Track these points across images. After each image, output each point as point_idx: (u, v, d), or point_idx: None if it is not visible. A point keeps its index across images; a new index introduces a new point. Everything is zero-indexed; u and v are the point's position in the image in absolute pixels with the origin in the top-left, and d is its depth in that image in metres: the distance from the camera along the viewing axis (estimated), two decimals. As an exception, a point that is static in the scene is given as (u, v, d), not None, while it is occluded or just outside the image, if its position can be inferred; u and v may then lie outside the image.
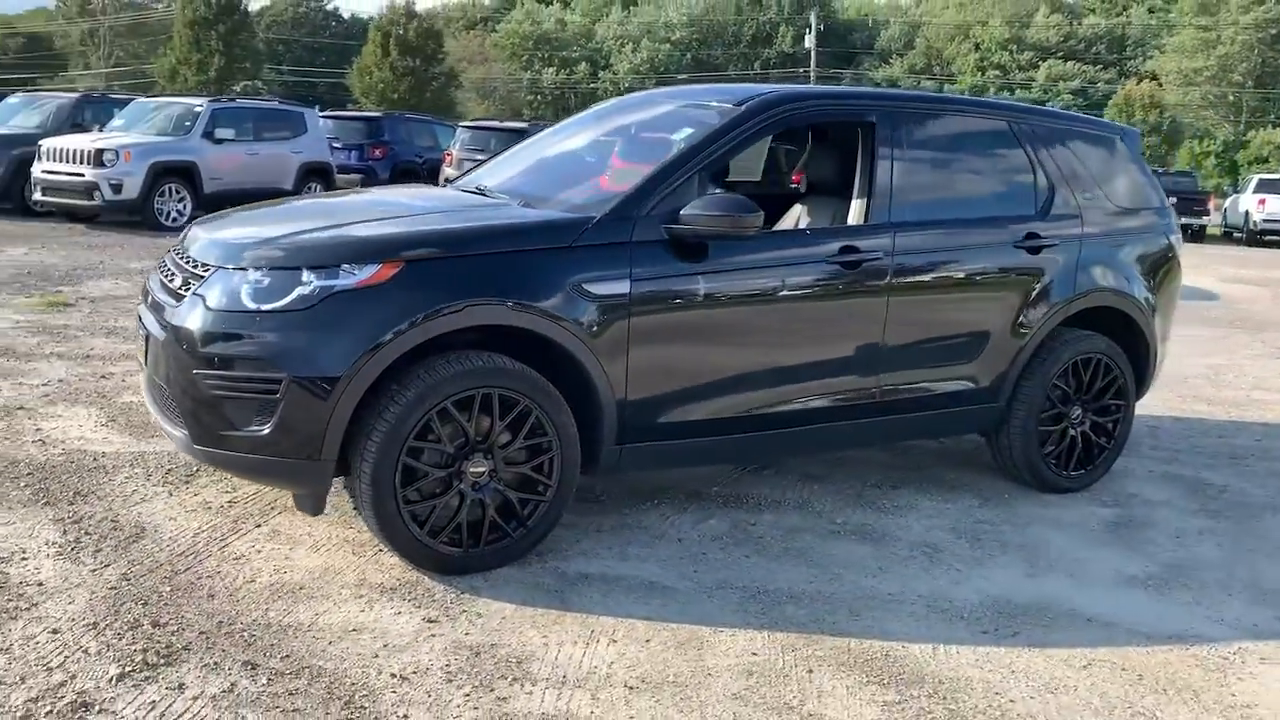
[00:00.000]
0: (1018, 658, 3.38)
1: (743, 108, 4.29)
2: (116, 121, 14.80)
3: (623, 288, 3.79)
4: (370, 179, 17.19)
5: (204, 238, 3.94)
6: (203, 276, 3.65)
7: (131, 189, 13.16)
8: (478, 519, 3.69)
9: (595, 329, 3.74)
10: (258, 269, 3.54)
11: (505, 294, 3.60)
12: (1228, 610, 3.85)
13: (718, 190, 4.03)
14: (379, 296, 3.46)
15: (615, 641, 3.32)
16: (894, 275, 4.33)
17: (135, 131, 14.28)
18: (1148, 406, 6.79)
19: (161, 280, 3.94)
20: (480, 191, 4.47)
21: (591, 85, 71.50)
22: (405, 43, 42.02)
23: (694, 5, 74.75)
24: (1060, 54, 67.37)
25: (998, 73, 66.81)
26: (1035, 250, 4.71)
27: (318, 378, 3.40)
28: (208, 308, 3.53)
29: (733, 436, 4.18)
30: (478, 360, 3.59)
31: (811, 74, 58.87)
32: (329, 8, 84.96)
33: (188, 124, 14.16)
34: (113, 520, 4.01)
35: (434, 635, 3.28)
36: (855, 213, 4.43)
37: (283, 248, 3.62)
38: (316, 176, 15.62)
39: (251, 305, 3.47)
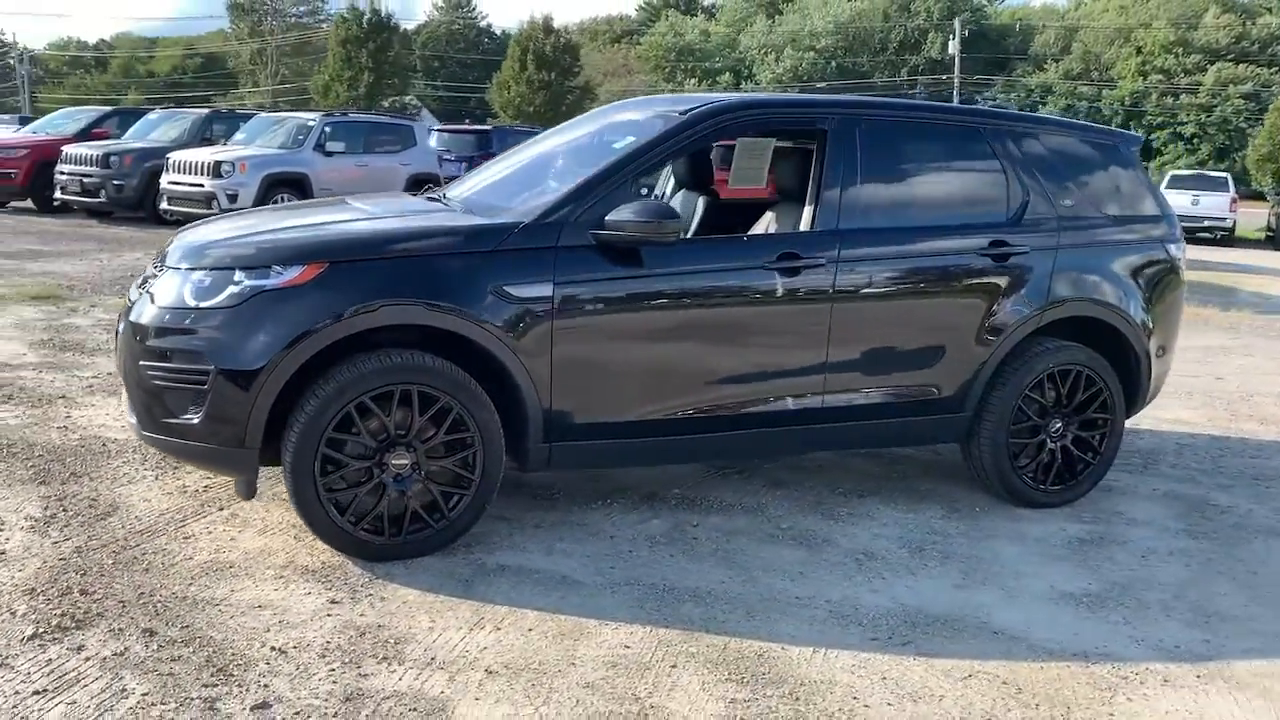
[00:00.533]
0: (897, 665, 3.36)
1: (685, 116, 4.37)
2: (239, 135, 15.78)
3: (545, 291, 3.92)
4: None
5: (176, 241, 4.26)
6: (158, 276, 3.97)
7: (246, 199, 13.98)
8: (401, 509, 3.87)
9: (517, 330, 3.89)
10: (202, 269, 3.82)
11: (422, 295, 3.78)
12: (1157, 631, 3.72)
13: (654, 195, 4.11)
14: (300, 296, 3.70)
15: (499, 629, 3.46)
16: (839, 282, 4.33)
17: (254, 145, 15.18)
18: (1189, 423, 6.53)
19: (140, 281, 4.29)
20: (442, 201, 4.65)
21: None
22: (542, 57, 43.04)
23: (840, 12, 73.97)
24: (1231, 56, 63.73)
25: (1160, 77, 63.68)
26: (1002, 259, 4.62)
27: (240, 370, 3.66)
28: (155, 304, 3.84)
29: (666, 439, 4.26)
30: (397, 357, 3.78)
31: (955, 81, 57.43)
32: (482, 24, 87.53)
33: (301, 138, 14.97)
34: (93, 499, 4.37)
35: (330, 615, 3.48)
36: (804, 220, 4.45)
37: (224, 249, 3.91)
38: (424, 186, 16.22)
39: (191, 303, 3.76)
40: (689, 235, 4.99)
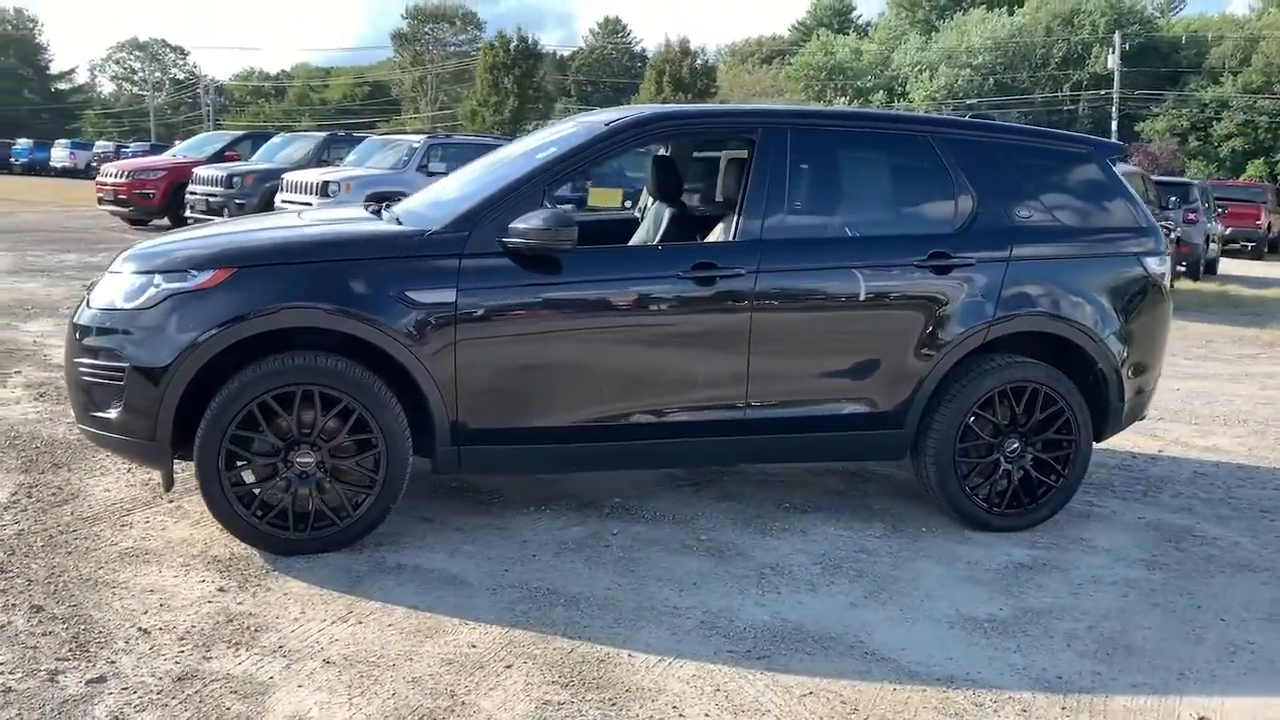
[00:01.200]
0: (738, 679, 3.30)
1: (607, 127, 4.42)
2: (351, 157, 16.55)
3: (448, 297, 4.03)
4: (580, 207, 18.05)
5: (127, 249, 4.56)
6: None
7: (350, 217, 14.63)
8: (307, 506, 4.03)
9: (420, 336, 4.01)
10: (132, 273, 4.09)
11: (321, 299, 3.94)
12: (1045, 660, 3.53)
13: (561, 205, 4.17)
14: (207, 299, 3.91)
15: (360, 624, 3.56)
16: (758, 293, 4.28)
17: (362, 166, 15.89)
18: (1223, 451, 6.17)
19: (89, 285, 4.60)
20: (376, 213, 4.79)
21: (886, 114, 70.87)
22: (679, 80, 43.46)
23: (999, 29, 71.92)
24: None
25: (1353, 91, 59.44)
26: (943, 270, 4.48)
27: (150, 368, 3.89)
28: (91, 306, 4.12)
29: (575, 445, 4.30)
30: (298, 358, 3.95)
31: (1115, 95, 54.99)
32: (636, 48, 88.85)
33: (405, 159, 15.58)
34: (59, 488, 4.71)
35: (210, 602, 3.66)
36: (730, 229, 4.42)
37: (153, 254, 4.17)
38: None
39: (120, 305, 4.02)
40: (657, 243, 4.98)
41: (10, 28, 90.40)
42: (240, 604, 3.66)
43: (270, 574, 3.92)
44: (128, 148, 39.58)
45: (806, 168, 4.50)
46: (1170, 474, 5.80)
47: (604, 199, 14.41)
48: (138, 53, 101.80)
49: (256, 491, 4.01)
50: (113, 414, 3.97)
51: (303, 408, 3.98)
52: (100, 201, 18.37)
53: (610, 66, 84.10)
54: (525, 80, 46.52)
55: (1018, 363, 4.58)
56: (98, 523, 4.34)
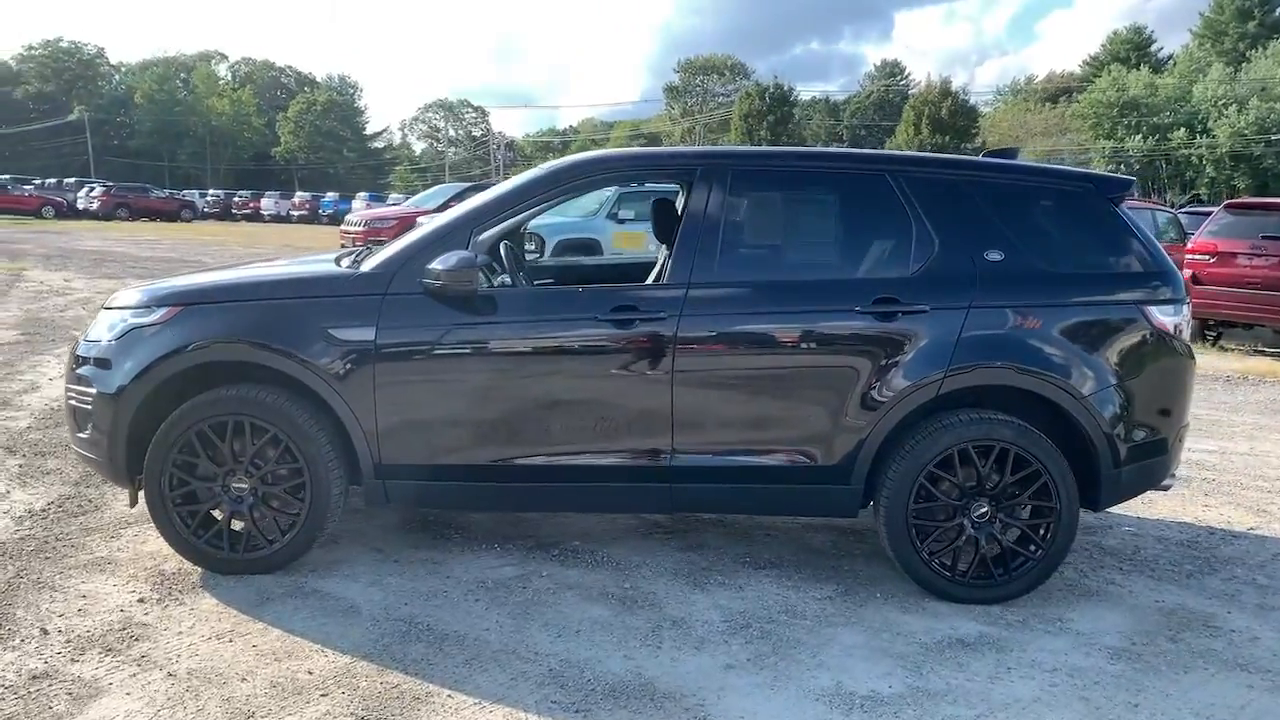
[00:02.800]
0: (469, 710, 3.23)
1: (542, 172, 4.47)
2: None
3: (368, 335, 4.21)
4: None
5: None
6: None
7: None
8: (242, 529, 4.32)
9: (340, 371, 4.20)
10: (118, 308, 4.54)
11: (250, 336, 4.22)
12: (891, 746, 3.21)
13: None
14: (156, 334, 4.29)
15: (231, 642, 3.76)
16: (681, 338, 4.17)
17: (556, 214, 16.57)
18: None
19: None
20: (337, 260, 4.98)
21: (1185, 151, 65.98)
22: (937, 120, 42.24)
23: (1327, 53, 65.05)
24: None
25: None
26: (888, 316, 4.18)
27: (107, 393, 4.30)
28: (84, 338, 4.61)
29: (491, 485, 4.34)
30: (231, 390, 4.25)
31: None
32: (912, 91, 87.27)
33: (596, 207, 16.11)
34: (91, 500, 5.27)
35: (122, 611, 3.99)
36: (657, 272, 4.34)
37: (134, 293, 4.60)
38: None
39: (102, 338, 4.48)
40: (661, 282, 4.94)
41: (335, 94, 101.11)
42: (146, 615, 3.96)
43: (195, 590, 4.20)
44: (382, 199, 43.52)
45: (745, 209, 4.35)
46: (1243, 554, 5.07)
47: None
48: (444, 112, 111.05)
49: (197, 512, 4.31)
50: (85, 435, 4.40)
51: (238, 437, 4.26)
52: (342, 246, 20.13)
53: (884, 109, 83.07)
54: (779, 127, 46.78)
55: (981, 419, 4.19)
56: (93, 534, 4.81)
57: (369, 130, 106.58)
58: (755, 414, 4.24)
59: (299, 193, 59.65)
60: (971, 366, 4.16)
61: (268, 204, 55.80)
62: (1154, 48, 79.54)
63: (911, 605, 4.25)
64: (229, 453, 4.27)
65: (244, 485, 4.29)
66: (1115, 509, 4.80)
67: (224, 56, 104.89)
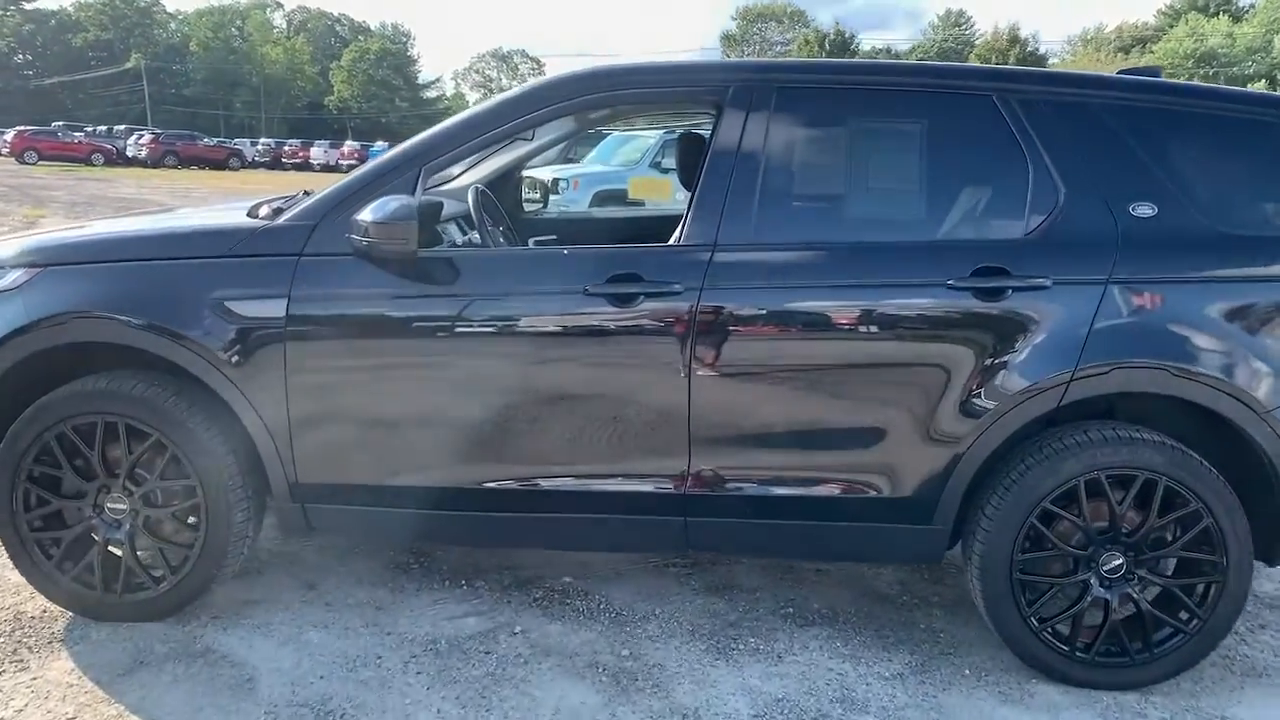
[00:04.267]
0: None
1: (517, 91, 3.31)
2: (591, 154, 16.03)
3: (276, 310, 3.10)
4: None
5: None
6: None
7: (578, 214, 14.12)
8: (121, 562, 3.27)
9: (240, 357, 3.11)
10: None
11: (118, 309, 3.13)
12: None
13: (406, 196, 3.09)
14: (7, 302, 3.22)
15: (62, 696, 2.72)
16: (702, 320, 3.01)
17: (598, 163, 15.33)
18: None
19: None
20: (253, 209, 3.80)
21: (1267, 105, 62.85)
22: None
23: None
24: None
25: None
26: (993, 294, 2.98)
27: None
28: None
29: (448, 514, 3.23)
30: (100, 382, 3.18)
31: None
32: (977, 40, 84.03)
33: (639, 156, 14.85)
34: None
35: (-61, 679, 2.96)
36: (679, 230, 3.17)
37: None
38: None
39: None
40: (678, 242, 3.76)
41: (389, 42, 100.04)
42: (15, 649, 2.94)
43: (50, 647, 3.17)
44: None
45: (795, 144, 3.17)
46: None
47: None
48: (497, 62, 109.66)
49: (61, 540, 3.27)
50: None
51: (112, 443, 3.19)
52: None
53: (949, 59, 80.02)
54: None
55: (1121, 439, 2.99)
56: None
57: (421, 80, 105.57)
58: (802, 426, 3.08)
59: (349, 141, 58.71)
60: (1109, 366, 2.95)
61: (317, 153, 54.87)
62: (1236, -7, 75.78)
63: (1013, 691, 3.09)
64: (100, 464, 3.20)
65: (122, 506, 3.23)
66: None
67: (279, 4, 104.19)
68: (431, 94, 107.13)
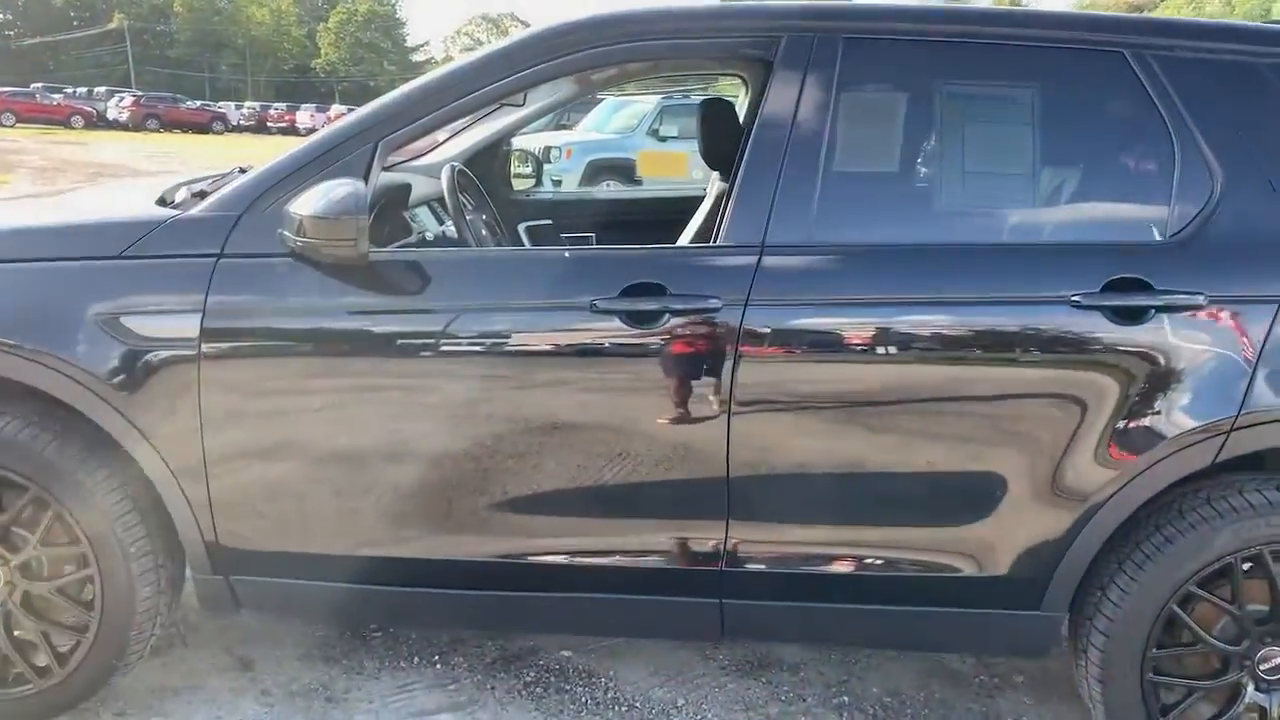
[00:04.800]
0: None
1: (515, 41, 2.55)
2: (586, 120, 15.18)
3: (187, 327, 2.36)
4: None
5: None
6: None
7: (570, 184, 13.29)
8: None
9: (137, 389, 2.37)
10: None
11: (-22, 325, 2.38)
12: None
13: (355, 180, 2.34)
14: None
15: None
16: (747, 339, 2.28)
17: (592, 130, 14.50)
18: None
19: None
20: (165, 196, 3.00)
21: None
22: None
23: None
24: None
25: None
26: (1131, 315, 2.25)
27: None
28: None
29: (418, 591, 2.51)
30: (-43, 421, 2.43)
31: None
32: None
33: (636, 123, 14.04)
34: None
35: None
36: (715, 225, 2.44)
37: None
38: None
39: None
40: (714, 242, 3.00)
41: (376, 4, 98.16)
42: None
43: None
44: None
45: (866, 114, 2.43)
46: None
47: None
48: (487, 25, 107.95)
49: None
50: None
51: (-20, 496, 2.46)
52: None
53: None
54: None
55: (1289, 503, 2.27)
56: None
57: (410, 43, 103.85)
58: (872, 483, 2.37)
59: (335, 105, 57.38)
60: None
61: (303, 117, 53.58)
62: (1235, -39, 74.62)
63: (1141, 823, 2.38)
64: (-32, 525, 2.47)
65: (-6, 577, 2.50)
66: None
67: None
68: (420, 58, 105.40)
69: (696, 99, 15.03)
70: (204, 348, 2.35)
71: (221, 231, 2.40)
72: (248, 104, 59.26)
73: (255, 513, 2.46)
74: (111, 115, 43.59)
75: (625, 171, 13.66)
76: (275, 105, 57.27)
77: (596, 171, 13.55)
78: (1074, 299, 2.25)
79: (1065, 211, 2.40)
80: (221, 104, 56.00)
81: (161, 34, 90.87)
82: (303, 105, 56.28)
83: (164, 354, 2.36)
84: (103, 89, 51.47)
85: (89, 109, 43.65)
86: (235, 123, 50.30)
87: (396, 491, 2.41)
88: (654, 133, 13.99)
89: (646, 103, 14.58)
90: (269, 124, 53.36)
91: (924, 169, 2.43)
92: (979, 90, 2.47)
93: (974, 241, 2.36)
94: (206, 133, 44.36)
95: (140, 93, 48.97)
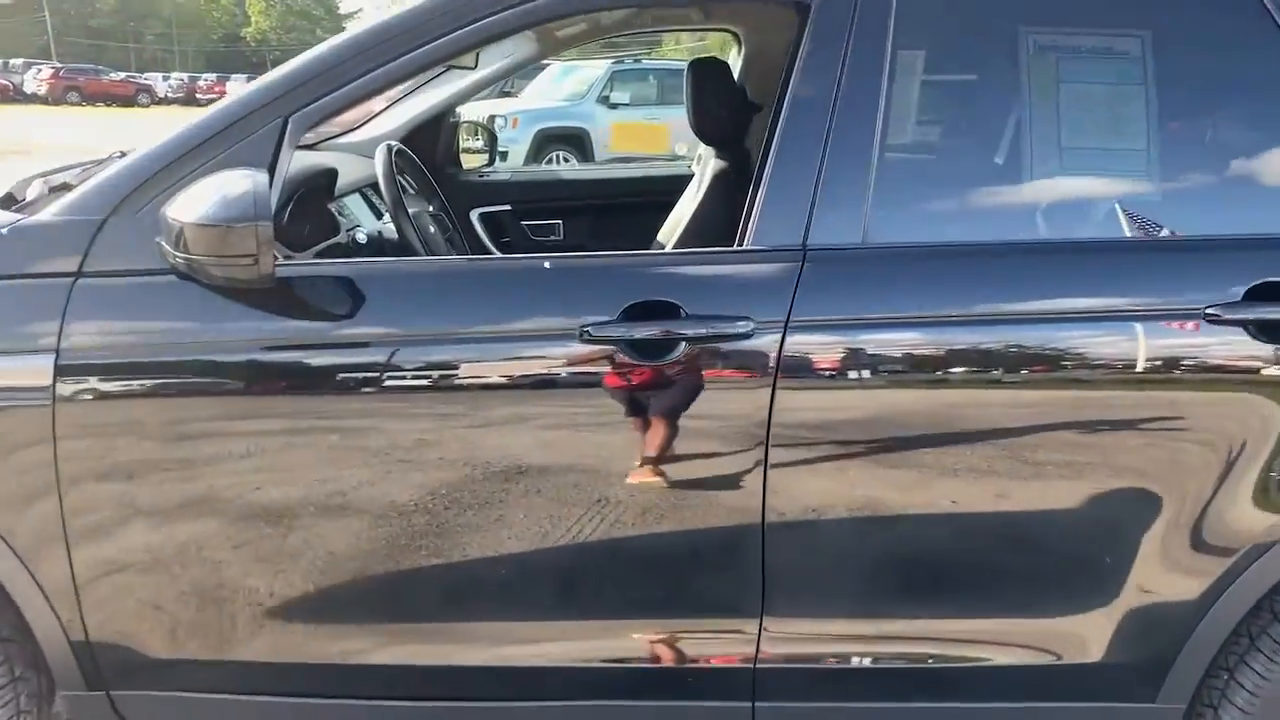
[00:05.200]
0: None
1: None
2: (529, 88, 14.44)
3: (36, 370, 1.75)
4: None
5: None
6: None
7: (517, 156, 12.62)
8: None
9: (-24, 452, 1.76)
10: None
11: None
12: None
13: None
14: None
15: None
16: (787, 372, 1.72)
17: (538, 98, 13.79)
18: None
19: None
20: (7, 198, 2.37)
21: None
22: None
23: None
24: None
25: None
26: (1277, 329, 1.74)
27: None
28: None
29: (364, 703, 1.94)
30: None
31: None
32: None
33: (585, 89, 13.38)
34: None
35: None
36: (742, 224, 1.87)
37: None
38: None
39: None
40: (739, 246, 2.41)
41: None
42: None
43: None
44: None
45: (931, 78, 1.88)
46: None
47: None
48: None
49: None
50: None
51: None
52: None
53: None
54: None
55: None
56: None
57: (344, 10, 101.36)
58: (942, 550, 1.85)
59: (268, 76, 55.56)
60: None
61: (234, 88, 51.84)
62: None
63: None
64: None
65: None
66: None
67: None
68: (354, 25, 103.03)
69: (648, 64, 14.46)
70: (60, 392, 1.75)
71: (80, 242, 1.79)
72: (175, 75, 57.18)
73: (136, 602, 1.87)
74: (29, 88, 41.76)
75: (575, 142, 13.02)
76: (205, 76, 55.36)
77: (545, 142, 12.90)
78: (1208, 311, 1.73)
79: (1190, 197, 1.87)
80: (148, 75, 54.01)
81: (83, 3, 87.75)
82: (234, 75, 54.34)
83: (7, 404, 1.76)
84: (19, 61, 49.34)
85: (5, 82, 41.84)
86: (163, 95, 48.47)
87: (319, 573, 1.83)
88: (605, 99, 13.34)
89: (596, 67, 13.89)
90: (199, 95, 51.51)
91: (1009, 146, 1.88)
92: (1076, 43, 1.92)
93: (1074, 238, 1.84)
94: (132, 106, 42.67)
95: (59, 65, 46.99)
